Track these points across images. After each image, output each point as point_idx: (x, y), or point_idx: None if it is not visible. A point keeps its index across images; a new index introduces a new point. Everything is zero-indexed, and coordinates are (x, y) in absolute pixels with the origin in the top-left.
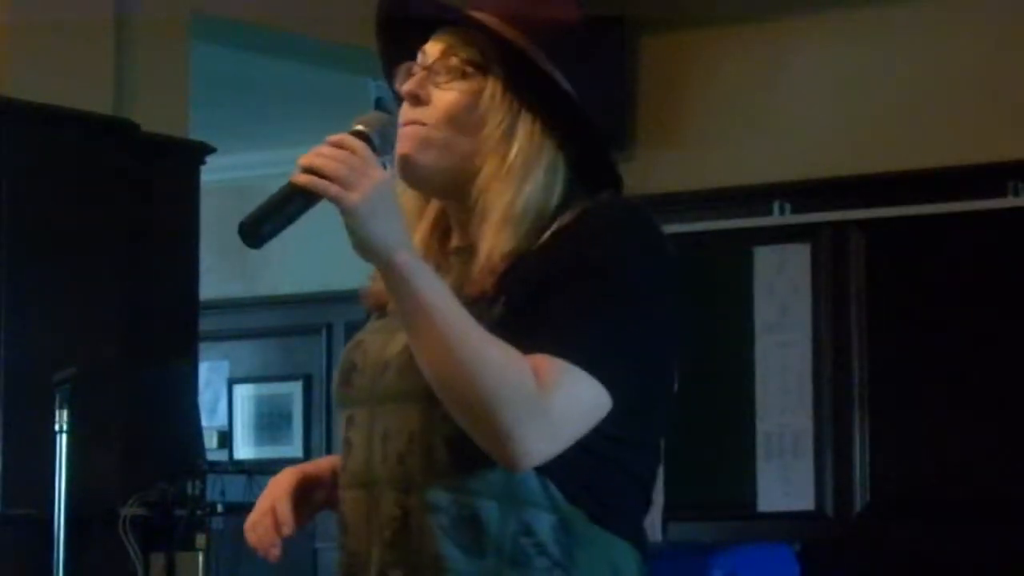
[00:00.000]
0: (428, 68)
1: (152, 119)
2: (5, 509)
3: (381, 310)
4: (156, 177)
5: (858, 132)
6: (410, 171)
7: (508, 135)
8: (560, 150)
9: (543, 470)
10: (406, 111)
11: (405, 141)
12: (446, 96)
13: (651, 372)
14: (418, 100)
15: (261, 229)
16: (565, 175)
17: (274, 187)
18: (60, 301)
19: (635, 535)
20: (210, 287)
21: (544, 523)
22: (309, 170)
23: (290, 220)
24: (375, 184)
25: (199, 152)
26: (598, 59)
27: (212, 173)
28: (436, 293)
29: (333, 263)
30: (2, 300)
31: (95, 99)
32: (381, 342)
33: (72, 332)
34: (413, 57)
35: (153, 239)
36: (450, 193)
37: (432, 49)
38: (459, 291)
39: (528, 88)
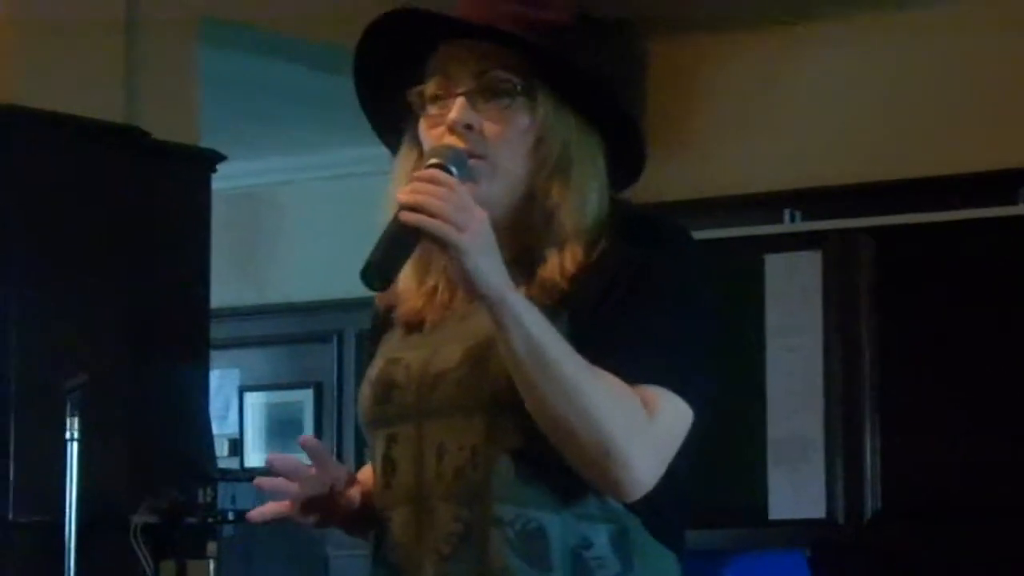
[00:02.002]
0: (467, 93)
1: (162, 126)
2: (16, 516)
3: (411, 326)
4: (166, 184)
5: (869, 139)
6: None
7: (566, 150)
8: (604, 151)
9: None
10: (454, 142)
11: (470, 180)
12: (497, 124)
13: (712, 385)
14: (471, 129)
15: (387, 273)
16: (606, 194)
17: (284, 194)
18: (70, 308)
19: (680, 547)
20: (221, 295)
21: (602, 535)
22: (414, 208)
23: (406, 258)
24: (480, 220)
25: (210, 160)
26: (620, 48)
27: (223, 180)
28: (544, 329)
29: (344, 271)
30: (13, 307)
31: (105, 106)
32: (424, 357)
33: (83, 340)
34: (397, 77)
35: (164, 247)
36: (507, 215)
37: (458, 70)
38: None
39: (570, 97)
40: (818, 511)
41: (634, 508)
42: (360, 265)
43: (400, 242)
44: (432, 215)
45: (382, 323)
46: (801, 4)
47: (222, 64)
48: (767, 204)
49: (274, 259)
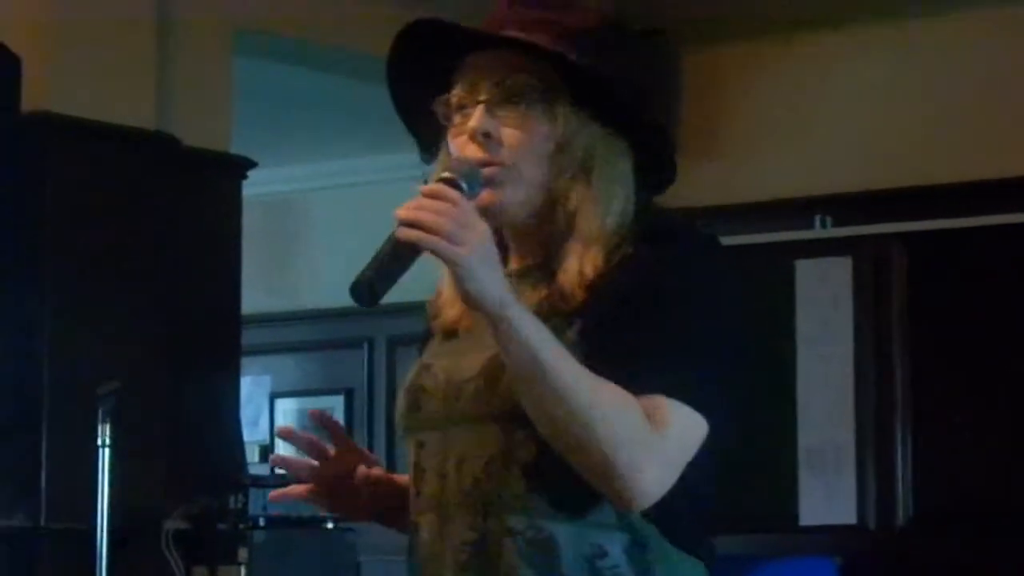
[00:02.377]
0: (486, 101)
1: (194, 134)
2: (48, 522)
3: (448, 333)
4: (198, 191)
5: (900, 145)
6: (499, 217)
7: (588, 155)
8: (631, 158)
9: None
10: (474, 150)
11: (490, 188)
12: (516, 130)
13: (735, 395)
14: (489, 137)
15: (375, 289)
16: (635, 186)
17: (315, 201)
18: (103, 315)
19: (705, 552)
20: (252, 301)
21: (617, 544)
22: (413, 224)
23: (400, 275)
24: (480, 235)
25: (241, 167)
26: (647, 55)
27: (254, 187)
28: (545, 343)
29: None
30: (47, 314)
31: (137, 114)
32: (452, 365)
33: (115, 346)
34: (429, 87)
35: (195, 253)
36: (529, 221)
37: (480, 79)
38: (536, 311)
39: (593, 103)
40: (849, 518)
41: (650, 517)
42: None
43: (394, 258)
44: (429, 231)
45: (428, 330)
46: (831, 13)
47: (254, 73)
48: (798, 210)
49: (305, 265)
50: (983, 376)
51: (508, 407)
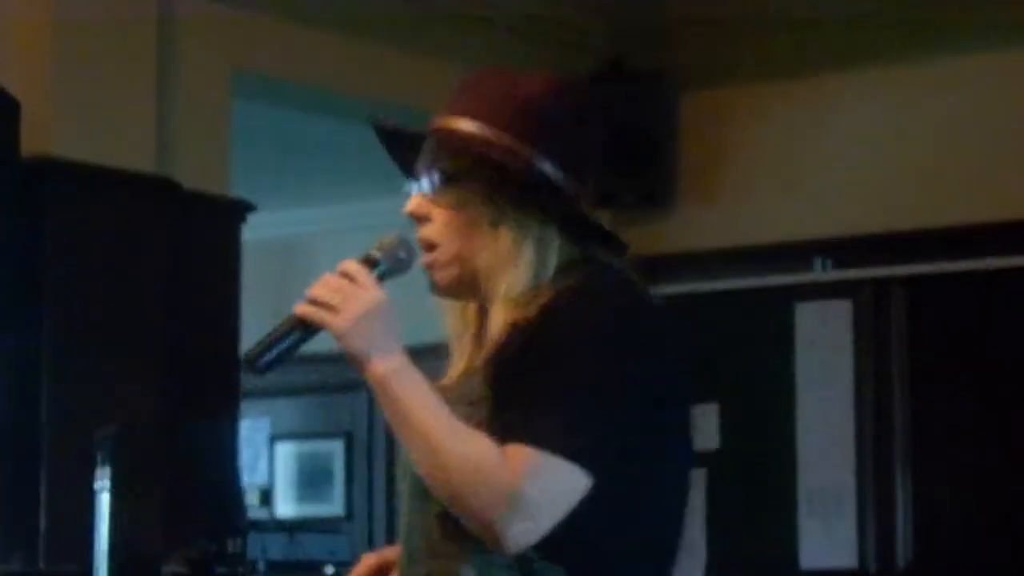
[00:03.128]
0: (422, 185)
1: (193, 177)
2: (47, 566)
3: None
4: (197, 234)
5: (900, 188)
6: (441, 292)
7: (495, 227)
8: (548, 224)
9: None
10: (417, 229)
11: (427, 268)
12: (440, 211)
13: (630, 439)
14: (419, 219)
15: (263, 358)
16: (560, 242)
17: (316, 245)
18: (102, 358)
19: None
20: (251, 344)
21: None
22: (311, 300)
23: (293, 348)
24: (361, 304)
25: (240, 210)
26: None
27: (253, 231)
28: (414, 398)
29: None
30: (46, 357)
31: (137, 157)
32: None
33: (114, 389)
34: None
35: (195, 297)
36: (474, 293)
37: (420, 164)
38: (477, 372)
39: (504, 179)
40: (850, 560)
41: (548, 557)
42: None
43: (288, 332)
44: (315, 303)
45: None
46: (831, 56)
47: (253, 116)
48: (798, 253)
49: None
50: (983, 419)
51: None
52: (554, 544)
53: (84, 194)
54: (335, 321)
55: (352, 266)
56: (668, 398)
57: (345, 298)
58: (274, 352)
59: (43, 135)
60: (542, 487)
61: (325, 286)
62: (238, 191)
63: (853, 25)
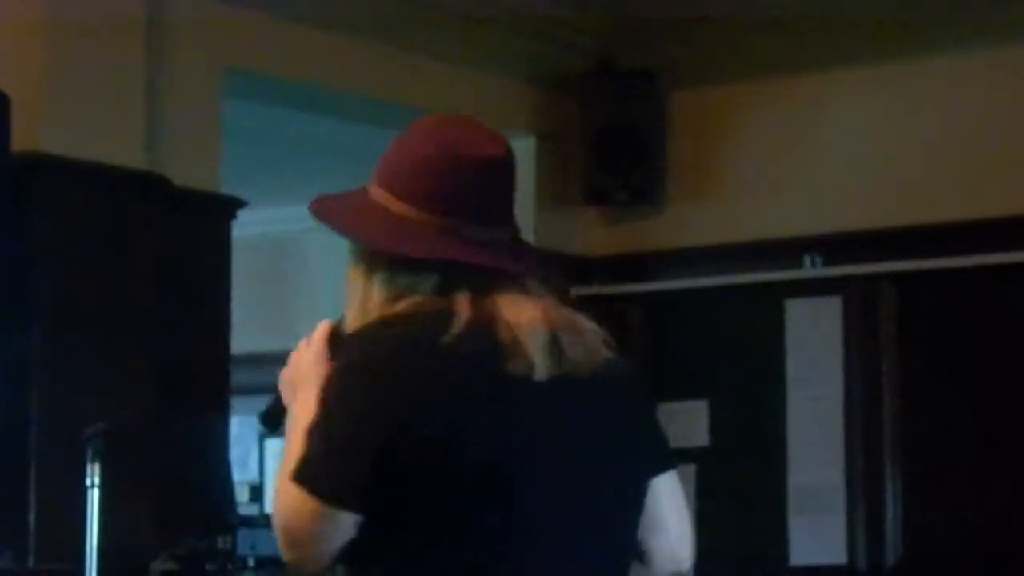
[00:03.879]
0: None
1: (184, 174)
2: (37, 564)
3: None
4: (187, 231)
5: (890, 185)
6: None
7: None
8: (370, 275)
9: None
10: None
11: None
12: None
13: (363, 463)
14: None
15: (271, 419)
16: (380, 288)
17: (306, 242)
18: (92, 355)
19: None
20: (241, 341)
21: None
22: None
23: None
24: (293, 364)
25: (230, 206)
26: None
27: (243, 228)
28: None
29: None
30: (34, 355)
31: (127, 154)
32: None
33: (104, 387)
34: None
35: (184, 293)
36: None
37: None
38: None
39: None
40: (839, 558)
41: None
42: None
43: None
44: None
45: None
46: (822, 54)
47: (244, 113)
48: (788, 249)
49: (295, 306)
50: (973, 416)
51: None
52: (351, 557)
53: (74, 190)
54: (282, 375)
55: (317, 333)
56: (414, 421)
57: (299, 360)
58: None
59: (33, 131)
60: (276, 512)
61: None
62: (228, 188)
63: (842, 23)
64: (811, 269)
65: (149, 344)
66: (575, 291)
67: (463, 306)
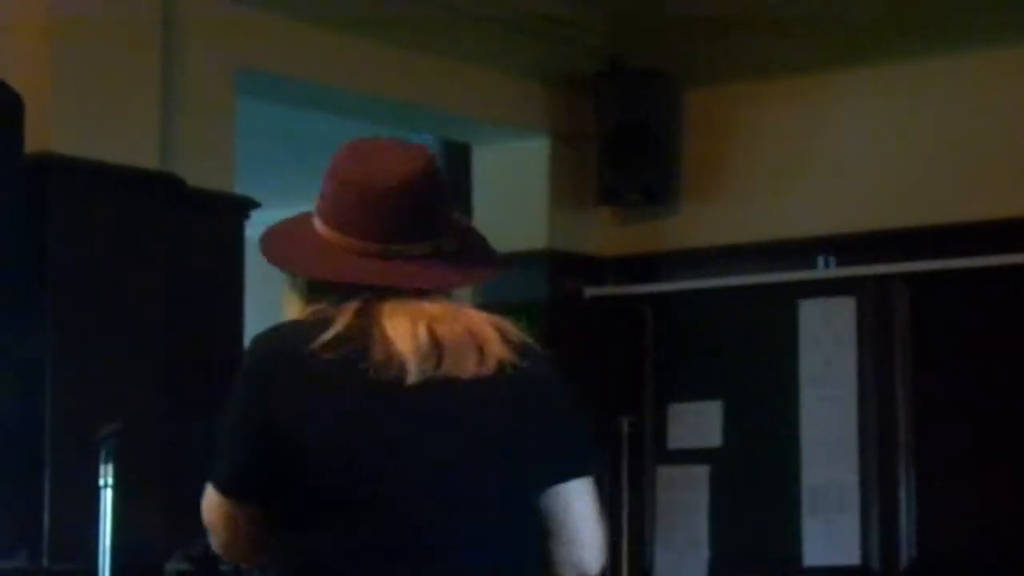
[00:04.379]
0: None
1: (197, 174)
2: (51, 564)
3: None
4: (201, 232)
5: (903, 185)
6: None
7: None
8: (295, 292)
9: None
10: None
11: None
12: None
13: (246, 458)
14: None
15: None
16: (301, 304)
17: None
18: (105, 355)
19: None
20: None
21: None
22: None
23: None
24: None
25: (244, 207)
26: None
27: (257, 228)
28: None
29: None
30: (49, 354)
31: (141, 154)
32: None
33: (117, 387)
34: None
35: (198, 294)
36: None
37: None
38: None
39: None
40: (853, 558)
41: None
42: None
43: None
44: None
45: None
46: (835, 54)
47: (257, 113)
48: (801, 250)
49: None
50: (987, 417)
51: None
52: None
53: (87, 191)
54: None
55: None
56: (281, 421)
57: None
58: None
59: (46, 132)
60: (204, 508)
61: None
62: (242, 188)
63: (855, 22)
64: (824, 269)
65: (162, 345)
66: (588, 291)
67: (345, 315)
